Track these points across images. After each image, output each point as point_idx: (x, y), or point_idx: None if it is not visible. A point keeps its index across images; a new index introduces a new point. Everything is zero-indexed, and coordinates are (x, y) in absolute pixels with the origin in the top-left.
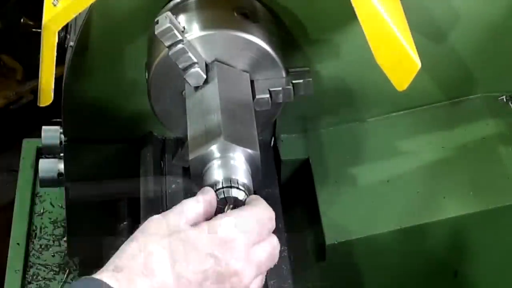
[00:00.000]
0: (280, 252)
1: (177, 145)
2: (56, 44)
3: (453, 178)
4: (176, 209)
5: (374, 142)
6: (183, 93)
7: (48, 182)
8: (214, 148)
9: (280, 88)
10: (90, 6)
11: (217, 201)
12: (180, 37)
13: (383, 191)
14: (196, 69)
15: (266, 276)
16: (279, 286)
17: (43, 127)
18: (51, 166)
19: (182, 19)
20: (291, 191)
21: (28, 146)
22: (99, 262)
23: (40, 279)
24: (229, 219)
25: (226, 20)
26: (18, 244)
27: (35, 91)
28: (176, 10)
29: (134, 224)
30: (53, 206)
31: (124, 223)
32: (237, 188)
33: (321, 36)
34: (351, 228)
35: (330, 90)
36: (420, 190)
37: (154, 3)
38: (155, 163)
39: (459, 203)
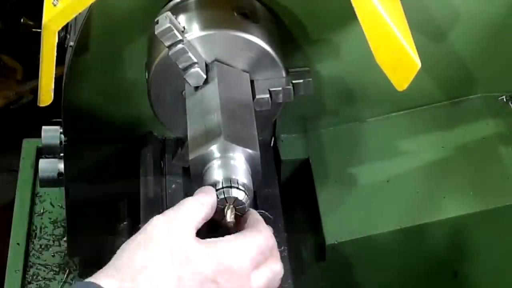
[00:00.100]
0: (280, 252)
1: (177, 145)
2: (56, 44)
3: (453, 178)
4: (180, 212)
5: (374, 142)
6: (183, 93)
7: (48, 182)
8: (214, 148)
9: (280, 88)
10: (90, 6)
11: (217, 201)
12: (180, 37)
13: (383, 191)
14: (196, 69)
15: None
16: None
17: (43, 127)
18: (51, 166)
19: (182, 19)
20: (291, 191)
21: (28, 146)
22: (99, 262)
23: (40, 279)
24: (236, 246)
25: (226, 20)
26: (18, 244)
27: (35, 91)
28: (176, 10)
29: (134, 224)
30: (53, 206)
31: (124, 223)
32: (237, 188)
33: (321, 36)
34: (351, 228)
35: (330, 90)
36: (420, 190)
37: (154, 3)
38: (155, 163)
39: (459, 203)
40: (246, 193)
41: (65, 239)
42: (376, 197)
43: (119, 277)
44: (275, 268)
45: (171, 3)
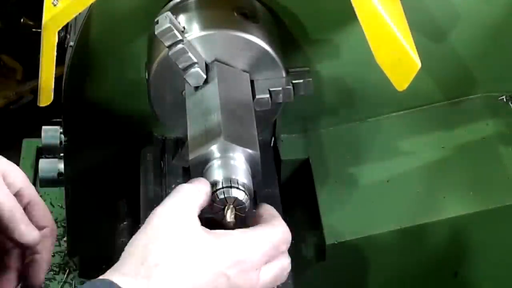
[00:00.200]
0: None
1: (177, 145)
2: (56, 44)
3: (453, 178)
4: (183, 202)
5: (374, 142)
6: (183, 93)
7: (48, 182)
8: (214, 148)
9: (280, 88)
10: (90, 6)
11: (217, 201)
12: (180, 37)
13: (383, 191)
14: (196, 69)
15: None
16: (279, 286)
17: (43, 127)
18: (51, 166)
19: (182, 19)
20: (291, 191)
21: (28, 146)
22: (99, 262)
23: None
24: (248, 240)
25: (226, 20)
26: None
27: (35, 91)
28: (176, 10)
29: (134, 224)
30: (53, 206)
31: (124, 223)
32: (237, 188)
33: (321, 36)
34: (351, 228)
35: (330, 90)
36: (420, 190)
37: (154, 3)
38: (155, 163)
39: (459, 203)
40: (246, 193)
41: (65, 239)
42: (376, 197)
43: (133, 274)
44: (284, 263)
45: (171, 3)
